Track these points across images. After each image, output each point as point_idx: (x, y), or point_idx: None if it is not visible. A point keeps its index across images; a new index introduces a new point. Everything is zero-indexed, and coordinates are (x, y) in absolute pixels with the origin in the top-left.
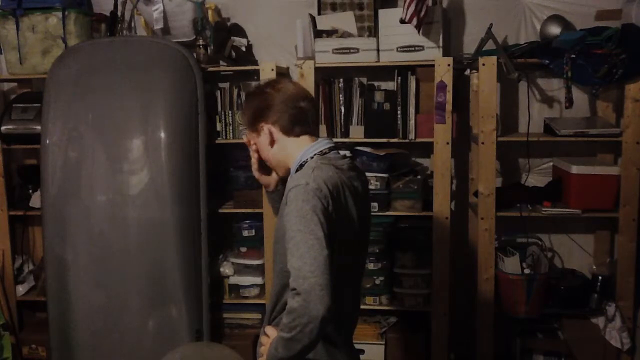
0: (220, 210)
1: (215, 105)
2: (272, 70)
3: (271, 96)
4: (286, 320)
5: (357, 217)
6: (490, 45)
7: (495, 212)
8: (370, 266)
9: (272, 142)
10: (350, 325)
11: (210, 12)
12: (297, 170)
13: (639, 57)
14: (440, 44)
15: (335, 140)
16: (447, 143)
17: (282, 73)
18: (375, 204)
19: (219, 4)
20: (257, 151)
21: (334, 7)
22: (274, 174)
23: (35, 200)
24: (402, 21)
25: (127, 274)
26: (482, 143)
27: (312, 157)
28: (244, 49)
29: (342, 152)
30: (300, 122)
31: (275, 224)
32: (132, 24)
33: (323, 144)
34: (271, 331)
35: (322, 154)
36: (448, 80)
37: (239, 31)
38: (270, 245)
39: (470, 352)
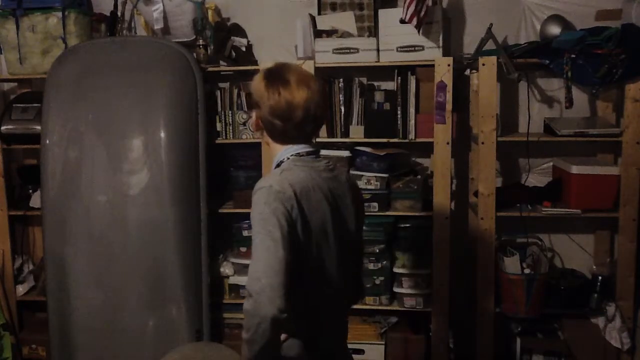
0: (220, 210)
1: (215, 105)
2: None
3: (278, 98)
4: (244, 321)
5: (332, 217)
6: (490, 45)
7: (495, 212)
8: (370, 266)
9: (258, 128)
10: (335, 329)
11: (210, 12)
12: (275, 167)
13: (639, 57)
14: (440, 44)
15: (335, 140)
16: (447, 143)
17: None
18: (375, 204)
19: (219, 4)
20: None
21: (334, 7)
22: None
23: (35, 200)
24: (402, 21)
25: (127, 273)
26: (482, 143)
27: (289, 158)
28: (244, 49)
29: (322, 154)
30: (288, 136)
31: None
32: (132, 24)
33: (301, 147)
34: None
35: (298, 155)
36: (448, 80)
37: (239, 31)
38: None
39: (470, 352)
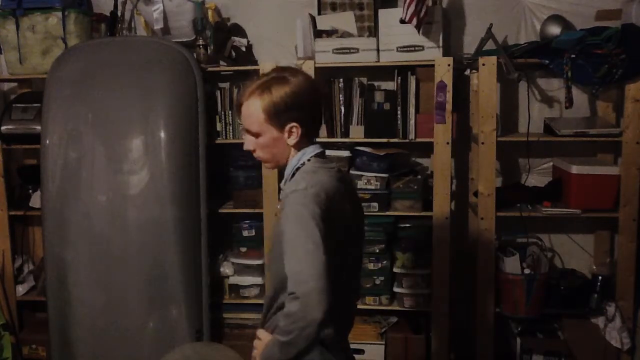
0: (220, 210)
1: (215, 105)
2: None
3: (306, 95)
4: (283, 323)
5: (351, 218)
6: (490, 45)
7: (495, 212)
8: (370, 266)
9: (281, 140)
10: (345, 327)
11: (210, 12)
12: (293, 172)
13: (639, 57)
14: (440, 44)
15: (335, 140)
16: (447, 143)
17: None
18: (375, 204)
19: (219, 4)
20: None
21: (334, 7)
22: None
23: (35, 200)
24: (402, 21)
25: (127, 273)
26: (482, 143)
27: (309, 160)
28: (244, 49)
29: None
30: (315, 129)
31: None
32: (132, 24)
33: (317, 147)
34: (264, 335)
35: (317, 156)
36: (448, 80)
37: (239, 31)
38: (270, 245)
39: (470, 352)
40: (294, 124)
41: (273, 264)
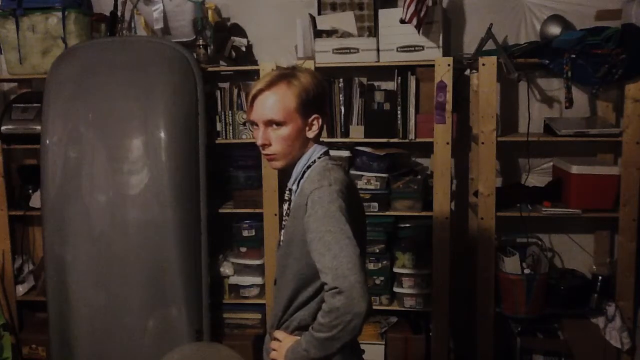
0: (220, 210)
1: (215, 105)
2: (272, 70)
3: (324, 87)
4: (325, 320)
5: (362, 215)
6: (490, 45)
7: (495, 212)
8: (370, 266)
9: (302, 133)
10: None
11: (210, 12)
12: (304, 170)
13: (639, 57)
14: (440, 44)
15: (335, 140)
16: (447, 143)
17: None
18: (375, 204)
19: (219, 4)
20: (269, 138)
21: (334, 7)
22: None
23: (35, 200)
24: (402, 21)
25: (127, 274)
26: (482, 143)
27: (319, 158)
28: (244, 49)
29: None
30: (324, 127)
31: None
32: (132, 24)
33: (323, 146)
34: (283, 335)
35: (326, 154)
36: (448, 80)
37: (239, 31)
38: (270, 245)
39: (470, 352)
40: (317, 115)
41: (291, 264)
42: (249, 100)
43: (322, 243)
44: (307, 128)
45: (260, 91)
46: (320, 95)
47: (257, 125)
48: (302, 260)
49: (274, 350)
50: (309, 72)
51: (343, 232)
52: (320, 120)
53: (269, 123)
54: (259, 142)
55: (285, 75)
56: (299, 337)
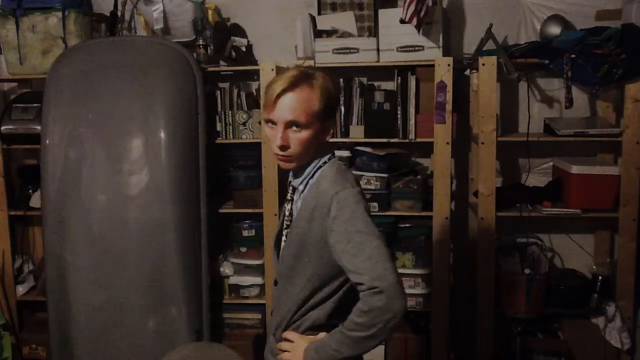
0: (220, 210)
1: (215, 105)
2: (272, 70)
3: (340, 91)
4: (363, 319)
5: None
6: (490, 45)
7: (495, 212)
8: None
9: (318, 137)
10: None
11: (210, 12)
12: (313, 171)
13: (639, 57)
14: (440, 44)
15: (335, 140)
16: (447, 143)
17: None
18: (375, 204)
19: (219, 4)
20: (287, 140)
21: (334, 7)
22: None
23: (35, 200)
24: (402, 21)
25: (127, 274)
26: (482, 143)
27: (329, 159)
28: (244, 49)
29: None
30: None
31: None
32: (132, 24)
33: (329, 148)
34: (296, 336)
35: (334, 156)
36: (448, 80)
37: (239, 31)
38: (270, 245)
39: (470, 352)
40: (332, 120)
41: (304, 265)
42: (270, 98)
43: (352, 244)
44: (323, 131)
45: (285, 91)
46: (338, 99)
47: (274, 123)
48: (320, 260)
49: (286, 351)
50: (328, 75)
51: (373, 233)
52: (333, 126)
53: (290, 124)
54: (278, 143)
55: (307, 75)
56: (318, 337)
